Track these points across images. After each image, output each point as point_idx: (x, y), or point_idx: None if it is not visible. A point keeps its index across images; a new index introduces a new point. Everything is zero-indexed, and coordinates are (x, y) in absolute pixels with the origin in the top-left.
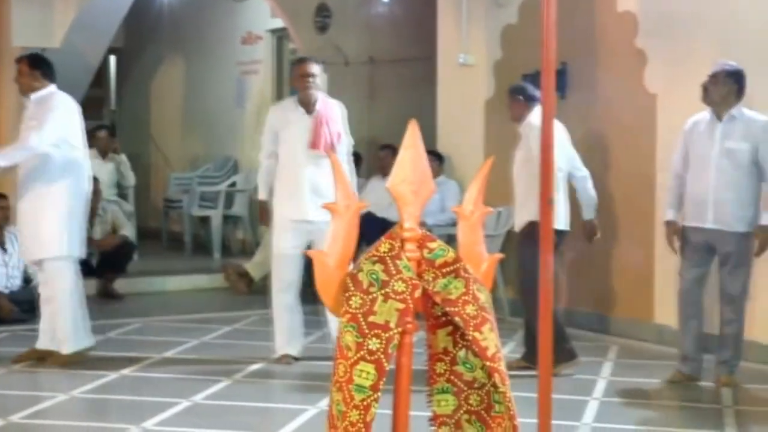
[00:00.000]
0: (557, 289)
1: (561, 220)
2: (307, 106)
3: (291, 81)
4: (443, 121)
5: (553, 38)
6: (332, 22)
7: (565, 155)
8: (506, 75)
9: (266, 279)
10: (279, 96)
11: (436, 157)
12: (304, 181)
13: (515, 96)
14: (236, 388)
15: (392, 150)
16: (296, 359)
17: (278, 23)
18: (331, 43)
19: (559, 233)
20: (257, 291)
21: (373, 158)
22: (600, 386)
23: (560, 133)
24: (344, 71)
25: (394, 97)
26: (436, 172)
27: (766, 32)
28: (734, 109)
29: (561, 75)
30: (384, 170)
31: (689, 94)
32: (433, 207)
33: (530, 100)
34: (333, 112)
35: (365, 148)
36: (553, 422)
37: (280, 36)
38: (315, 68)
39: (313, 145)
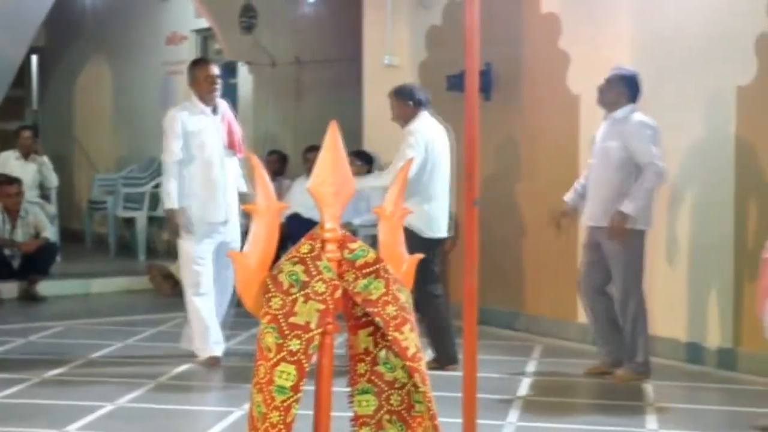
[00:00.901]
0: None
1: (439, 226)
2: (213, 107)
3: (192, 83)
4: (369, 122)
5: (477, 39)
6: (258, 22)
7: (447, 161)
8: (431, 76)
9: None
10: None
11: (363, 158)
12: (223, 183)
13: (402, 99)
14: (161, 391)
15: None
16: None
17: (203, 23)
18: (257, 44)
19: (437, 241)
20: (182, 293)
21: (300, 159)
22: (524, 385)
23: (443, 138)
24: (270, 72)
25: (320, 97)
26: (363, 173)
27: (683, 36)
28: (621, 111)
29: (485, 76)
30: (311, 171)
31: None
32: (359, 207)
33: (418, 105)
34: (230, 111)
35: (292, 149)
36: (478, 421)
37: (205, 36)
38: (218, 69)
39: (231, 145)
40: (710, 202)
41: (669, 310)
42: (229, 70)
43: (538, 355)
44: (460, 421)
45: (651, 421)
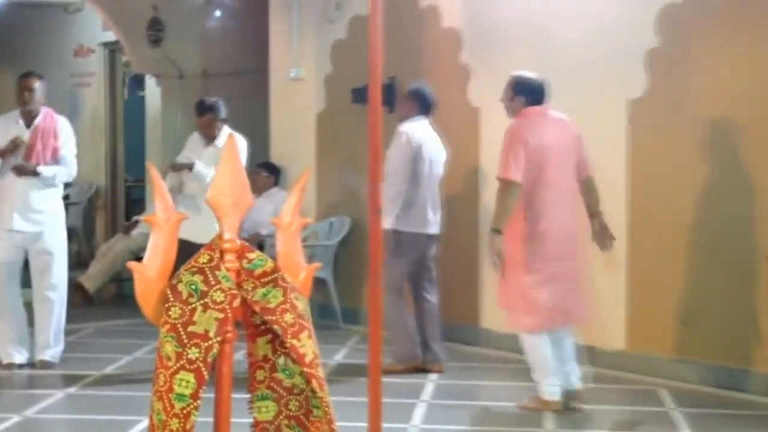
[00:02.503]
0: None
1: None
2: (27, 120)
3: (16, 95)
4: (276, 134)
5: (379, 53)
6: (165, 35)
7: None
8: (337, 89)
9: (102, 291)
10: (113, 108)
11: (270, 169)
12: (16, 193)
13: (216, 113)
14: (70, 401)
15: None
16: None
17: (111, 36)
18: (165, 57)
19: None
20: (93, 303)
21: None
22: (429, 389)
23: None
24: (178, 84)
25: (227, 109)
26: (270, 184)
27: (577, 51)
28: (407, 123)
29: (389, 89)
30: None
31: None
32: (266, 218)
33: (224, 119)
34: (55, 127)
35: None
36: (384, 425)
37: (112, 49)
38: (35, 83)
39: (26, 158)
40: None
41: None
42: (138, 82)
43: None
44: (365, 425)
45: (549, 422)
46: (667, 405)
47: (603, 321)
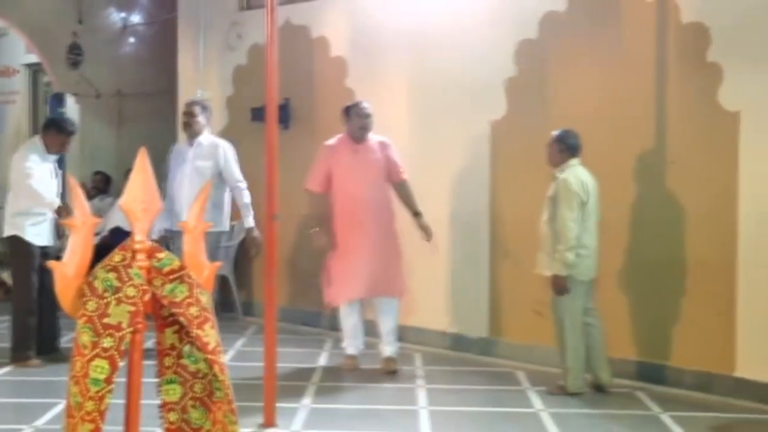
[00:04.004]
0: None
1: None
2: None
3: None
4: None
5: (275, 78)
6: (84, 59)
7: None
8: (237, 108)
9: None
10: (35, 123)
11: None
12: None
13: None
14: None
15: None
16: None
17: (34, 58)
18: (83, 78)
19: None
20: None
21: (122, 179)
22: (318, 372)
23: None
24: (95, 103)
25: (140, 126)
26: None
27: (447, 78)
28: (202, 136)
29: (284, 109)
30: None
31: (386, 123)
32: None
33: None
34: None
35: (114, 171)
36: (277, 404)
37: (35, 70)
38: None
39: None
40: (469, 221)
41: (438, 306)
42: (58, 100)
43: (329, 347)
44: (261, 404)
45: (422, 399)
46: (523, 384)
47: (468, 312)
